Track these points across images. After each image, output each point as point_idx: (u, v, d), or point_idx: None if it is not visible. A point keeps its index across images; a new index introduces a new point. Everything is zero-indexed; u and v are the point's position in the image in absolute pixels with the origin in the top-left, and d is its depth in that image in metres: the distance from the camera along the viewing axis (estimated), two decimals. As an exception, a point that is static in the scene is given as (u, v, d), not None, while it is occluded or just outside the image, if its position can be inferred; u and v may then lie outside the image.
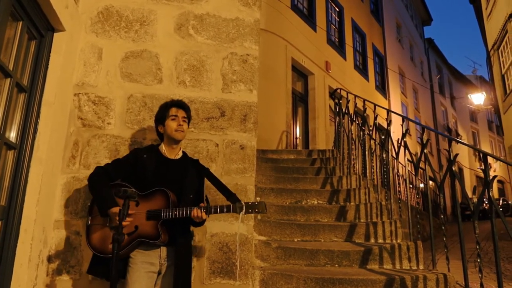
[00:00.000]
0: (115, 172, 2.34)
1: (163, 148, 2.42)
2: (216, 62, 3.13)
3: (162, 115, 2.43)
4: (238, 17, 3.26)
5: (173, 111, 2.41)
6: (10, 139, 2.30)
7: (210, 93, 3.07)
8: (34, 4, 2.36)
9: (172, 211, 2.16)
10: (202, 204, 2.22)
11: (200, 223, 2.32)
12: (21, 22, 2.33)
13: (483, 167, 2.72)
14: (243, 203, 2.22)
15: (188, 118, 2.49)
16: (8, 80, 2.22)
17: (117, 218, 2.09)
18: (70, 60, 2.86)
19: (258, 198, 2.41)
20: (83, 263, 2.65)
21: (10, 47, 2.27)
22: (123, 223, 2.04)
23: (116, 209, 2.13)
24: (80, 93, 2.94)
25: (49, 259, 2.63)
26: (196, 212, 2.16)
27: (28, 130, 2.42)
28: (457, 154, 3.01)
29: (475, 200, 2.82)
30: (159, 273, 2.25)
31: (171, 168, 2.38)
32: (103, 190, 2.23)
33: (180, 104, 2.46)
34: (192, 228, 2.48)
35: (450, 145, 3.06)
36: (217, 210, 2.21)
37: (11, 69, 2.24)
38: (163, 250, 2.25)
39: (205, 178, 2.52)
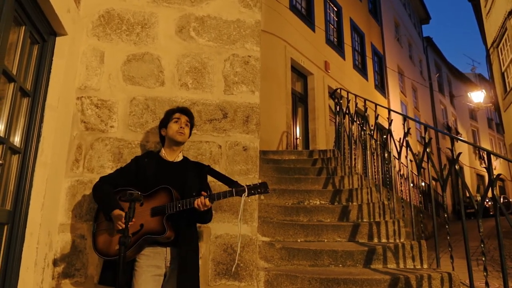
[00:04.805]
0: (119, 179, 2.38)
1: (163, 152, 2.48)
2: (217, 64, 3.14)
3: (166, 119, 2.51)
4: (239, 18, 3.27)
5: (176, 115, 2.50)
6: (15, 144, 2.31)
7: (212, 95, 3.08)
8: (36, 9, 2.37)
9: (176, 204, 2.17)
10: (204, 193, 2.21)
11: (207, 217, 2.34)
12: (23, 27, 2.34)
13: (483, 165, 2.72)
14: (245, 186, 2.22)
15: (191, 124, 2.56)
16: (12, 84, 2.23)
17: (119, 222, 2.11)
18: (72, 64, 2.87)
19: (259, 181, 2.42)
20: (88, 266, 2.65)
21: (13, 52, 2.28)
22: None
23: (117, 212, 2.16)
24: (82, 97, 2.95)
25: (55, 263, 2.64)
26: (199, 201, 2.15)
27: (32, 135, 2.43)
28: (460, 153, 3.01)
29: (478, 198, 2.82)
30: (165, 275, 2.25)
31: (172, 170, 2.41)
32: (107, 195, 2.27)
33: (184, 110, 2.54)
34: (198, 226, 2.48)
35: (452, 144, 3.07)
36: (220, 196, 2.20)
37: (14, 73, 2.24)
38: (169, 252, 2.26)
39: (207, 177, 2.53)
